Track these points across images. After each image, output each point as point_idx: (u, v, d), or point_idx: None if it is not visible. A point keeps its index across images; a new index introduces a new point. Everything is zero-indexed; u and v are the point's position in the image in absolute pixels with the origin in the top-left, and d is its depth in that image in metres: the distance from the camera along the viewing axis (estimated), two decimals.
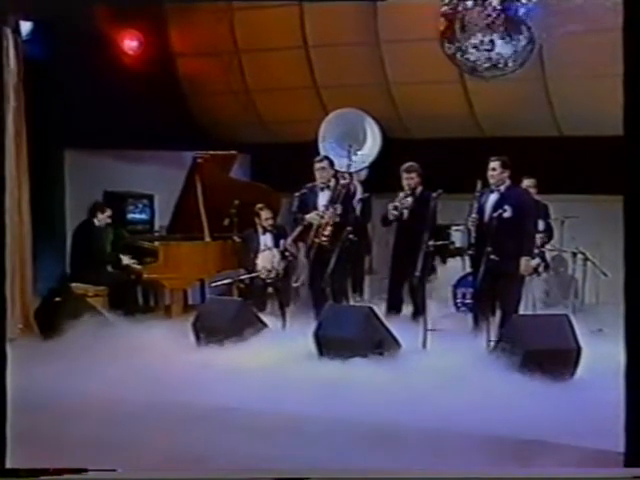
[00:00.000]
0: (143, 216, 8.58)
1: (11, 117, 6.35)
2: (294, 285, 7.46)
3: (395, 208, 6.53)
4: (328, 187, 6.87)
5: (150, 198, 8.62)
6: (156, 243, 7.63)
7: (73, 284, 7.23)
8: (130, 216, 8.44)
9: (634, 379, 3.32)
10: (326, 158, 7.03)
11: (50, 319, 6.47)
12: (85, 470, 3.64)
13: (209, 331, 6.12)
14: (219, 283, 7.26)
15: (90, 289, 7.21)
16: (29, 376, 5.00)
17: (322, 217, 6.73)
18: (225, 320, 6.16)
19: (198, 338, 6.21)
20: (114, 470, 3.67)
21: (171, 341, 6.11)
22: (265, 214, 7.43)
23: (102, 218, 7.55)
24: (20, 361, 5.10)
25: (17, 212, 6.50)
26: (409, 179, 6.69)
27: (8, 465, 3.67)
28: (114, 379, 5.07)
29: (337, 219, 6.65)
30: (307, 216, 6.85)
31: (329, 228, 6.65)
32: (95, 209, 7.57)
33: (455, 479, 3.58)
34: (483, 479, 3.54)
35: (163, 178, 8.46)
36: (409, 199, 6.58)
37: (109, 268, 7.51)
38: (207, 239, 7.61)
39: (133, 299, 7.52)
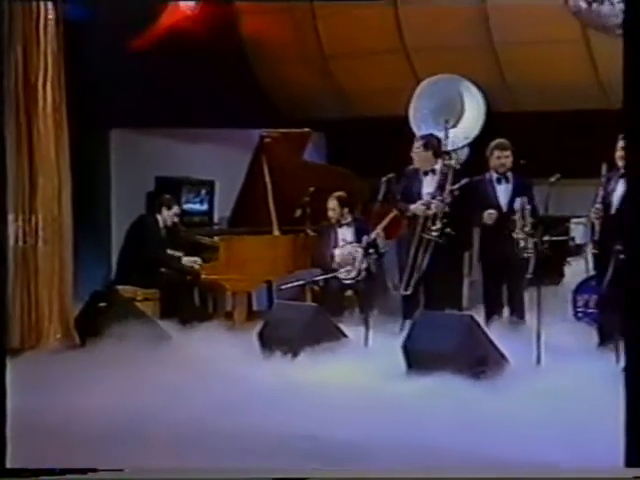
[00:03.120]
0: (201, 206, 8.67)
1: (49, 89, 6.47)
2: (381, 288, 7.46)
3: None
4: (433, 171, 6.89)
5: (209, 185, 8.70)
6: (216, 238, 7.68)
7: (120, 287, 7.35)
8: (186, 206, 8.50)
9: (634, 379, 3.70)
10: (431, 136, 7.03)
11: (93, 327, 6.56)
12: (85, 470, 3.97)
13: (278, 342, 6.17)
14: (289, 285, 7.31)
15: (139, 292, 7.33)
16: (68, 391, 5.13)
17: (428, 208, 6.74)
18: (297, 329, 6.21)
19: (265, 350, 6.25)
20: (118, 470, 3.99)
21: (233, 353, 6.17)
22: (332, 204, 7.51)
23: (168, 216, 7.68)
24: (58, 374, 5.62)
25: (56, 202, 6.61)
26: (503, 158, 6.66)
27: (8, 465, 4.04)
28: (167, 397, 5.14)
29: (447, 209, 6.63)
30: (412, 207, 6.91)
31: (438, 221, 6.68)
32: (160, 204, 7.68)
33: (455, 479, 3.94)
34: (484, 479, 3.90)
35: (224, 161, 8.57)
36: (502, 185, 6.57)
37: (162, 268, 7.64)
38: (276, 233, 7.68)
39: (189, 304, 7.59)
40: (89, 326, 6.66)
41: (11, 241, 6.43)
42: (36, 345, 6.45)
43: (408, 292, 6.80)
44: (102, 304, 6.84)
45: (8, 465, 4.04)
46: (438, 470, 4.02)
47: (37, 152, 6.51)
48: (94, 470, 3.99)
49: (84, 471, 3.98)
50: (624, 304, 3.85)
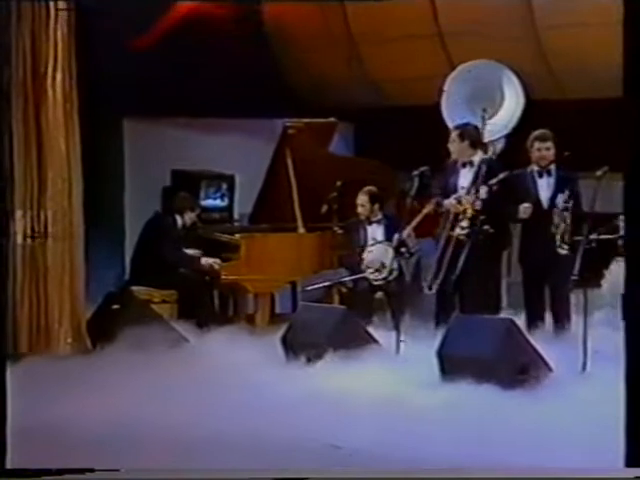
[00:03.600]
0: (221, 202, 8.68)
1: (59, 78, 6.53)
2: (413, 290, 7.51)
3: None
4: (470, 163, 6.89)
5: (229, 179, 8.70)
6: (236, 236, 7.72)
7: (135, 288, 7.41)
8: (204, 202, 8.51)
9: (634, 378, 3.91)
10: (467, 125, 7.04)
11: (107, 331, 6.61)
12: (86, 470, 4.20)
13: (303, 347, 6.20)
14: (315, 286, 7.40)
15: (156, 294, 7.39)
16: (77, 398, 5.21)
17: (460, 203, 6.77)
18: (323, 333, 6.23)
19: (289, 356, 6.31)
20: (116, 470, 4.21)
21: (255, 359, 6.22)
22: (362, 199, 7.50)
23: (190, 218, 7.75)
24: (69, 381, 5.68)
25: (67, 197, 6.65)
26: (544, 150, 6.64)
27: (8, 465, 4.31)
28: (184, 405, 5.18)
29: (479, 205, 6.65)
30: (445, 202, 6.92)
31: (467, 219, 6.72)
32: (182, 206, 7.74)
33: (455, 479, 4.11)
34: (483, 479, 4.08)
35: (245, 154, 8.58)
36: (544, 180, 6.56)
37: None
38: (300, 230, 7.74)
39: (208, 306, 7.64)
40: (102, 330, 6.69)
41: (19, 238, 6.52)
42: (45, 350, 6.50)
43: (442, 294, 6.82)
44: (116, 306, 6.88)
45: (8, 466, 4.30)
46: (439, 471, 4.14)
47: (46, 144, 6.58)
48: (93, 470, 4.20)
49: (84, 471, 4.19)
50: (623, 302, 3.93)
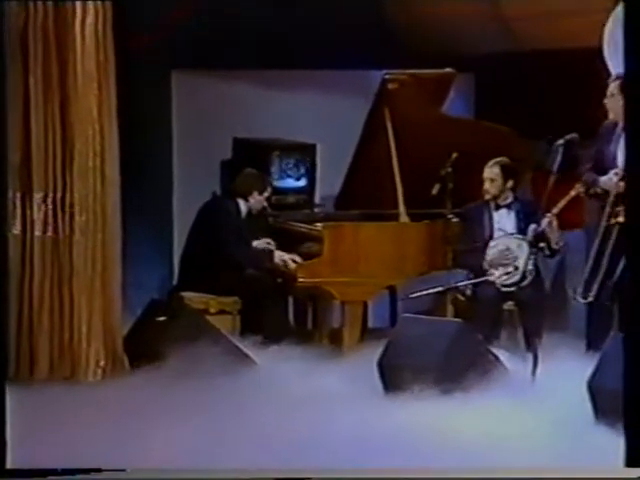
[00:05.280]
0: (297, 181, 8.65)
1: (90, 21, 6.59)
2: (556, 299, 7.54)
3: None
4: None
5: (309, 150, 8.64)
6: (318, 225, 7.69)
7: (185, 294, 7.45)
8: (277, 181, 8.47)
9: (633, 378, 4.73)
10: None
11: (149, 349, 6.68)
12: (92, 470, 4.70)
13: (406, 373, 6.14)
14: (422, 293, 7.22)
15: (213, 302, 7.42)
16: (111, 441, 5.23)
17: (622, 180, 6.53)
18: (433, 355, 6.21)
19: (388, 384, 6.29)
20: (122, 470, 4.72)
21: (342, 388, 6.28)
22: (492, 172, 7.41)
23: (257, 201, 7.76)
24: (99, 416, 5.70)
25: (99, 175, 6.70)
26: None
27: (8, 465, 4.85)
28: (249, 449, 5.17)
29: None
30: (602, 179, 6.88)
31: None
32: (249, 185, 7.75)
33: (455, 479, 4.75)
34: (483, 479, 4.72)
35: (330, 117, 8.58)
36: None
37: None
38: (403, 218, 7.68)
39: (281, 318, 7.64)
40: (143, 348, 6.74)
41: (37, 230, 6.60)
42: (70, 375, 6.61)
43: (596, 306, 6.75)
44: (161, 318, 6.94)
45: (8, 466, 4.84)
46: (437, 470, 4.66)
47: (72, 106, 6.63)
48: (99, 470, 4.70)
49: (89, 471, 4.70)
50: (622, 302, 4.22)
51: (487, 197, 7.49)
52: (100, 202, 6.72)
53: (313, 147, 8.65)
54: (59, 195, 6.63)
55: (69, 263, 6.67)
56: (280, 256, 7.62)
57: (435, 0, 8.83)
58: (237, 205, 7.75)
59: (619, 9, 8.05)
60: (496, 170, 7.44)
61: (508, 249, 7.30)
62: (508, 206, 7.48)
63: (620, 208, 6.63)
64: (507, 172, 7.45)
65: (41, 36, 6.59)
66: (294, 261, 7.56)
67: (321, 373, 6.52)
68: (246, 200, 7.76)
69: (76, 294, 6.66)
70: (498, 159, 7.45)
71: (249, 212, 7.80)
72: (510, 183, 7.46)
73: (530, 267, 7.17)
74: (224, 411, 5.74)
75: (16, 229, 6.57)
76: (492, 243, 7.37)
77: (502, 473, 4.73)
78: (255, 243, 7.75)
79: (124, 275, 6.89)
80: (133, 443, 5.21)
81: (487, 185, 7.46)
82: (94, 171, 6.70)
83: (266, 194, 7.83)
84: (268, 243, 7.77)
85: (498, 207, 7.49)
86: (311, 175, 8.68)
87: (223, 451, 5.17)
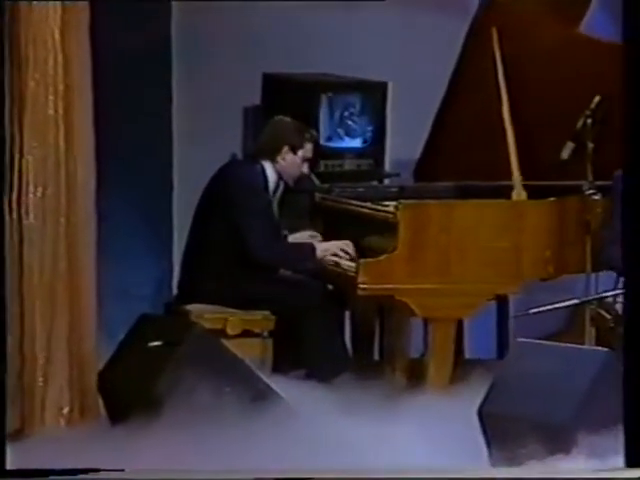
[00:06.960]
0: (353, 139, 8.67)
1: None
2: None
3: None
4: None
5: (376, 92, 8.56)
6: (389, 205, 7.59)
7: (191, 307, 7.42)
8: (326, 139, 8.45)
9: (633, 377, 5.85)
10: None
11: (136, 391, 6.74)
12: (90, 471, 5.54)
13: (522, 427, 6.10)
14: (548, 307, 7.27)
15: (232, 319, 7.39)
16: None
17: None
18: (567, 400, 6.08)
19: (493, 441, 6.19)
20: (120, 470, 5.59)
21: (425, 447, 6.28)
22: None
23: (290, 164, 7.59)
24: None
25: (63, 132, 6.68)
26: None
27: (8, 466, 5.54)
28: None
29: None
30: None
31: None
32: (276, 137, 7.63)
33: (455, 479, 5.90)
34: (483, 479, 5.92)
35: (406, 44, 8.67)
36: None
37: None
38: (518, 194, 7.59)
39: (333, 343, 7.59)
40: (128, 388, 6.80)
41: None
42: (20, 428, 6.74)
43: None
44: (155, 343, 6.88)
45: (8, 466, 5.57)
46: (436, 471, 5.65)
47: (23, 21, 6.50)
48: (97, 470, 5.53)
49: (88, 471, 5.53)
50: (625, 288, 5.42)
51: None
52: (65, 168, 6.68)
53: (383, 87, 8.56)
54: (7, 165, 6.56)
55: (18, 259, 6.63)
56: (331, 251, 7.50)
57: None
58: (264, 171, 7.56)
59: None
60: None
61: None
62: None
63: None
64: None
65: None
66: (352, 259, 7.42)
67: (394, 425, 6.51)
68: (273, 161, 7.54)
69: (28, 306, 6.67)
70: None
71: (279, 182, 7.61)
72: None
73: None
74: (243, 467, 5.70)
75: None
76: None
77: (502, 473, 5.66)
78: (292, 236, 7.77)
79: (100, 279, 6.85)
80: None
81: None
82: (55, 121, 6.64)
83: (305, 153, 7.57)
84: (312, 236, 7.76)
85: None
86: (379, 130, 8.62)
87: None
